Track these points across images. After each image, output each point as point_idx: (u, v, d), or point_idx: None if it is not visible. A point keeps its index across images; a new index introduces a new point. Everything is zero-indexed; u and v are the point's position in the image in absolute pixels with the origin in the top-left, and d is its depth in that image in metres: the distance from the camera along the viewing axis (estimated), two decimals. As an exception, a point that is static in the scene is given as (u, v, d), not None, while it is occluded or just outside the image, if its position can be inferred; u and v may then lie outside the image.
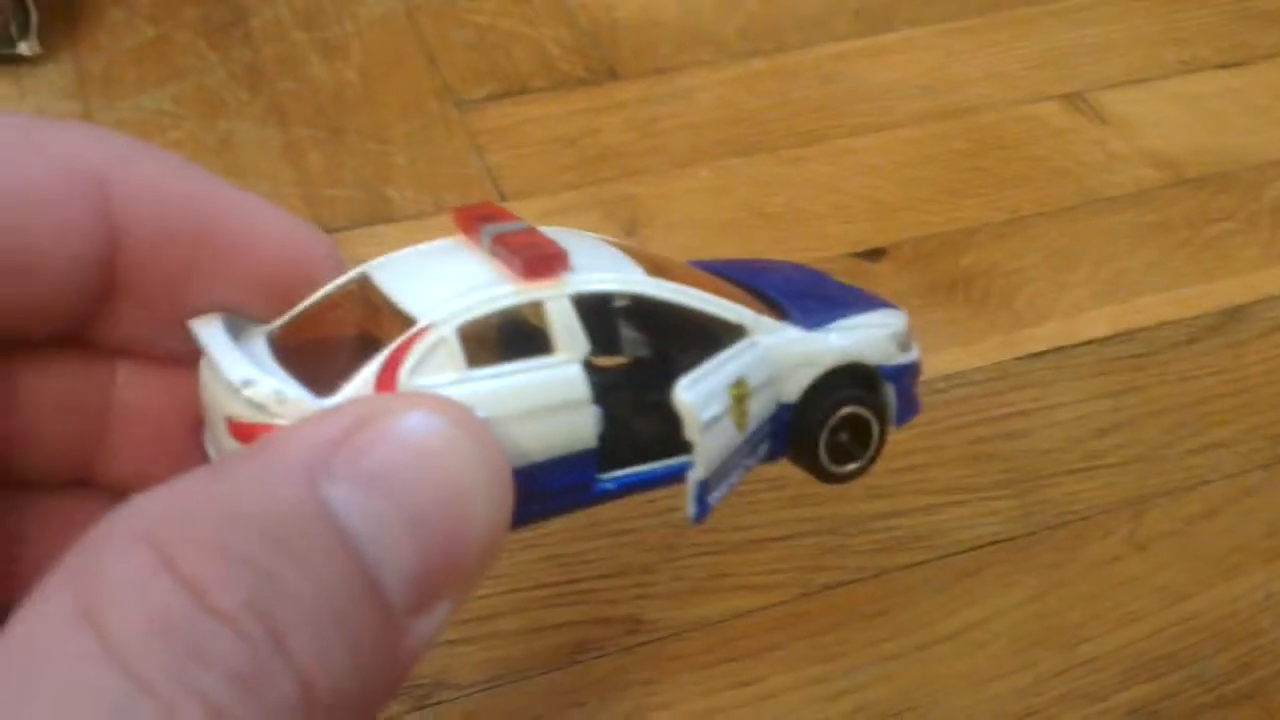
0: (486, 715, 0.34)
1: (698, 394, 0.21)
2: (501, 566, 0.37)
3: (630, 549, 0.38)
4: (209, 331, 0.21)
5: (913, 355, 0.26)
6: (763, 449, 0.23)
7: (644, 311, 0.23)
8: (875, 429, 0.25)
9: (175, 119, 0.51)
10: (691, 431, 0.20)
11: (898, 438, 0.41)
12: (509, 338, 0.21)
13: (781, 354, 0.23)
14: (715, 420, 0.21)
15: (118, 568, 0.15)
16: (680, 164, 0.51)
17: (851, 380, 0.24)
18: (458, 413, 0.19)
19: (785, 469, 0.40)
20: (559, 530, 0.38)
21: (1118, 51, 0.58)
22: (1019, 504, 0.39)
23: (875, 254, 0.48)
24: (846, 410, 0.24)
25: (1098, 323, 0.45)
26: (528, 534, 0.38)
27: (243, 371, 0.20)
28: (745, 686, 0.35)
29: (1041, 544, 0.38)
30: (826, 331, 0.24)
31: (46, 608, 0.15)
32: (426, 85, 0.54)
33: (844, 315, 0.24)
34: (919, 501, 0.39)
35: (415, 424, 0.18)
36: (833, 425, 0.24)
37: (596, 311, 0.21)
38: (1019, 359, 0.44)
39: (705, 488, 0.21)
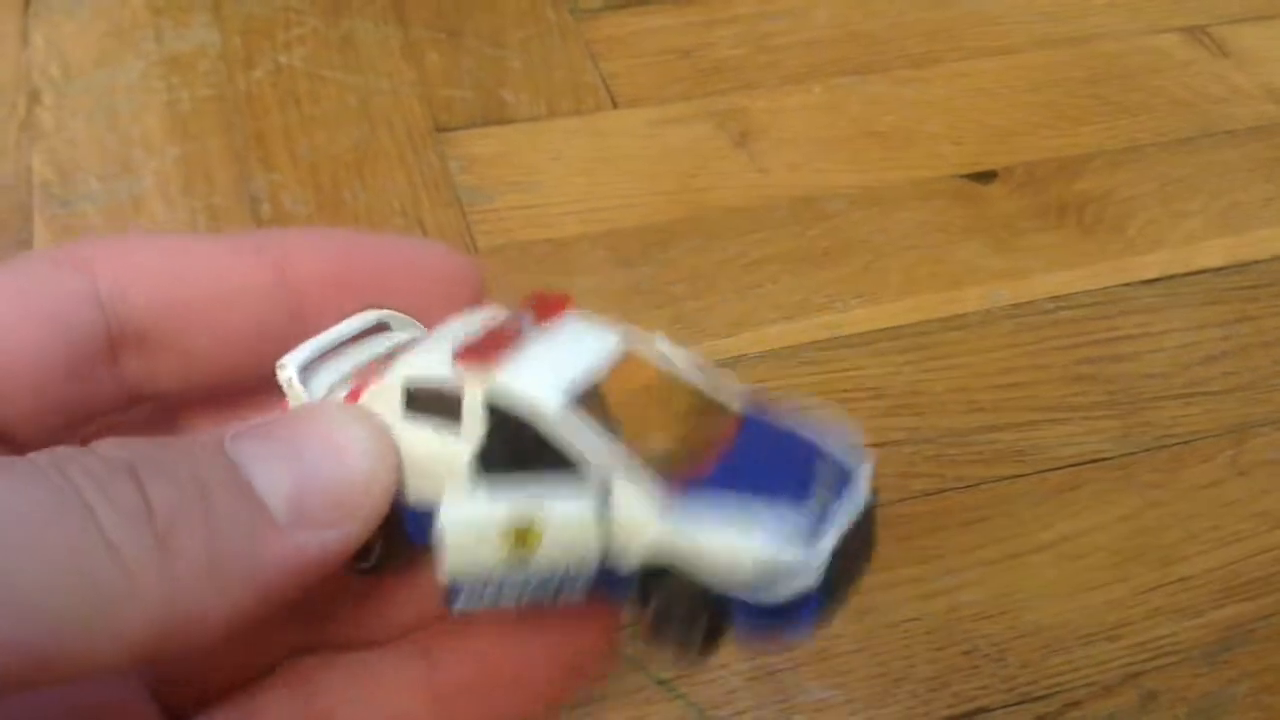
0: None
1: (453, 518, 0.22)
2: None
3: (731, 447, 0.38)
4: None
5: (786, 591, 0.20)
6: (575, 589, 0.22)
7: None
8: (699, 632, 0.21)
9: (300, 15, 0.52)
10: (436, 545, 0.22)
11: (999, 355, 0.41)
12: (450, 404, 0.23)
13: (617, 512, 0.21)
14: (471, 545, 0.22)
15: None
16: (792, 80, 0.51)
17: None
18: (358, 408, 0.24)
19: (885, 380, 0.40)
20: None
21: (1245, -14, 0.57)
22: (1121, 425, 0.39)
23: (987, 176, 0.47)
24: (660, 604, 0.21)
25: (1212, 253, 0.45)
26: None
27: (288, 357, 0.25)
28: (840, 582, 0.35)
29: (1141, 465, 0.38)
30: (683, 512, 0.21)
31: None
32: (544, -8, 0.54)
33: (741, 499, 0.21)
34: (1020, 417, 0.39)
35: (317, 407, 0.24)
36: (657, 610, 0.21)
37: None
38: (1129, 285, 0.44)
39: (454, 588, 0.22)
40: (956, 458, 0.38)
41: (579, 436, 0.22)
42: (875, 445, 0.38)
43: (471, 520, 0.22)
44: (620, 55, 0.52)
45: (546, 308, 0.24)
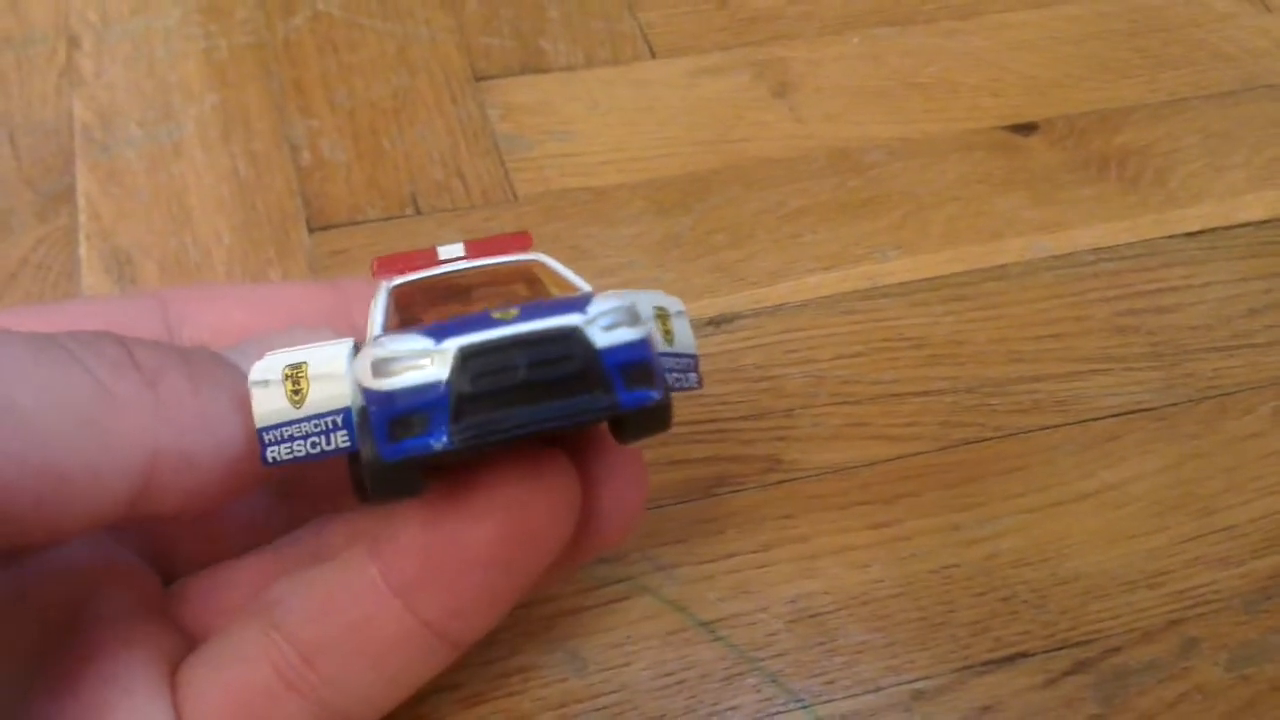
0: (631, 542, 0.35)
1: (261, 362, 0.24)
2: (644, 403, 0.38)
3: (770, 395, 0.39)
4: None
5: (403, 382, 0.22)
6: (346, 435, 0.24)
7: None
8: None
9: (337, -37, 0.52)
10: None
11: (1040, 306, 0.41)
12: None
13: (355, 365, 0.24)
14: (264, 385, 0.24)
15: None
16: (832, 30, 0.51)
17: None
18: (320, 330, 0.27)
19: (926, 330, 0.40)
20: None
21: (1290, -60, 0.56)
22: (1163, 376, 0.39)
23: (1027, 128, 0.47)
24: None
25: (1254, 206, 0.44)
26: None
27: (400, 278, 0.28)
28: (880, 528, 0.35)
29: (1183, 415, 0.38)
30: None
31: None
32: (581, -58, 0.54)
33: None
34: (1061, 368, 0.39)
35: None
36: None
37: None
38: (1171, 237, 0.43)
39: (261, 437, 0.24)
40: (997, 407, 0.38)
41: (375, 310, 0.25)
42: (917, 394, 0.39)
43: (266, 367, 0.24)
44: (657, 5, 0.51)
45: (495, 245, 0.27)
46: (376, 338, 0.23)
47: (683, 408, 0.38)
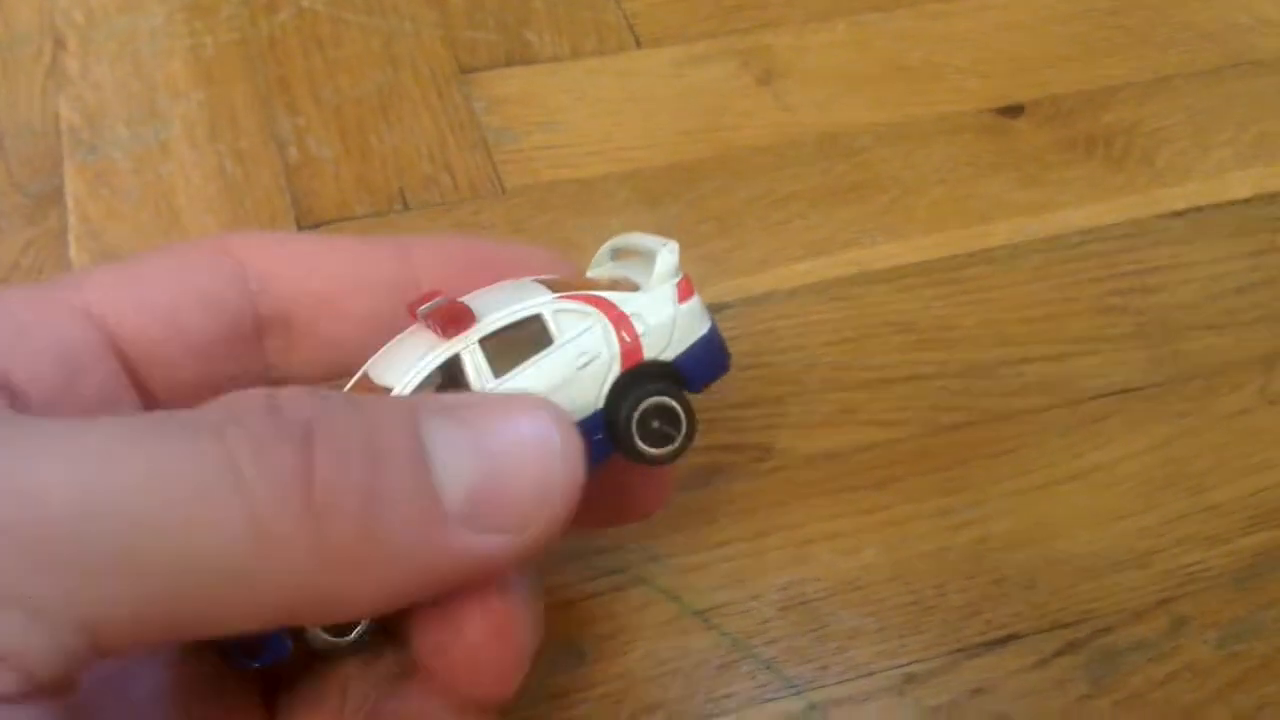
0: (626, 532, 0.35)
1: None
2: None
3: (760, 382, 0.39)
4: None
5: None
6: None
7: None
8: None
9: (321, -42, 0.52)
10: None
11: (1027, 288, 0.41)
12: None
13: None
14: None
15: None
16: (817, 17, 0.51)
17: None
18: (555, 409, 0.23)
19: (914, 315, 0.41)
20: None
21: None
22: (1150, 355, 0.39)
23: (1014, 110, 0.47)
24: None
25: (1240, 184, 0.45)
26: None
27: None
28: (871, 513, 0.36)
29: (1171, 394, 0.38)
30: None
31: None
32: (565, -68, 0.54)
33: None
34: (1049, 350, 0.40)
35: (519, 399, 0.23)
36: None
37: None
38: (1158, 216, 0.43)
39: None
40: (985, 390, 0.39)
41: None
42: (905, 379, 0.39)
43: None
44: (643, -6, 0.51)
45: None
46: None
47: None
